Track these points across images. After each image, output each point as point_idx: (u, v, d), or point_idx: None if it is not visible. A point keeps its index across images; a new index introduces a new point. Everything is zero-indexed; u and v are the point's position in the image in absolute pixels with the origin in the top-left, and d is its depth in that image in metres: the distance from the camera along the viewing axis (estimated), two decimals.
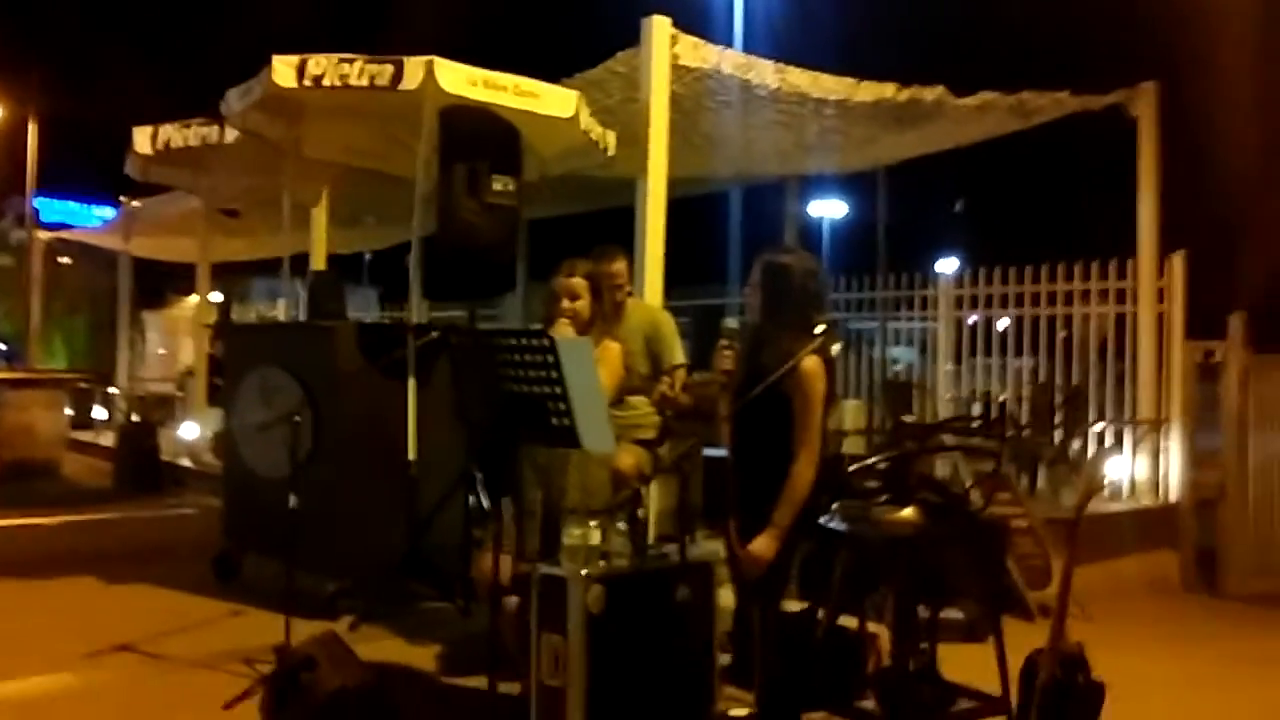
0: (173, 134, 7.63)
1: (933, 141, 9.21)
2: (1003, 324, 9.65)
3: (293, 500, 4.47)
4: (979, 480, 5.50)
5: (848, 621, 4.27)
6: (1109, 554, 7.32)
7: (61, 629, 5.44)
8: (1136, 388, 8.65)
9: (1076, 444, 8.92)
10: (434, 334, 5.60)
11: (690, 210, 11.92)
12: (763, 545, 3.65)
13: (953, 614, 4.76)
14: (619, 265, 5.45)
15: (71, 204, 38.85)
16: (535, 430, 3.87)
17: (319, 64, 5.68)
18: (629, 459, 5.02)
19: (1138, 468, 8.58)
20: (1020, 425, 9.12)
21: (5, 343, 34.77)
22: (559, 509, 4.49)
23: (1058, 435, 8.88)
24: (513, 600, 4.27)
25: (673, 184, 6.72)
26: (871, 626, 4.42)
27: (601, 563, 3.80)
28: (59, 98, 25.47)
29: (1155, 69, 9.14)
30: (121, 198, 13.69)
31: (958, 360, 10.15)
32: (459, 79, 5.67)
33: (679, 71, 6.63)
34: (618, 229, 7.00)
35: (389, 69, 5.62)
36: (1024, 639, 4.14)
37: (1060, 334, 9.23)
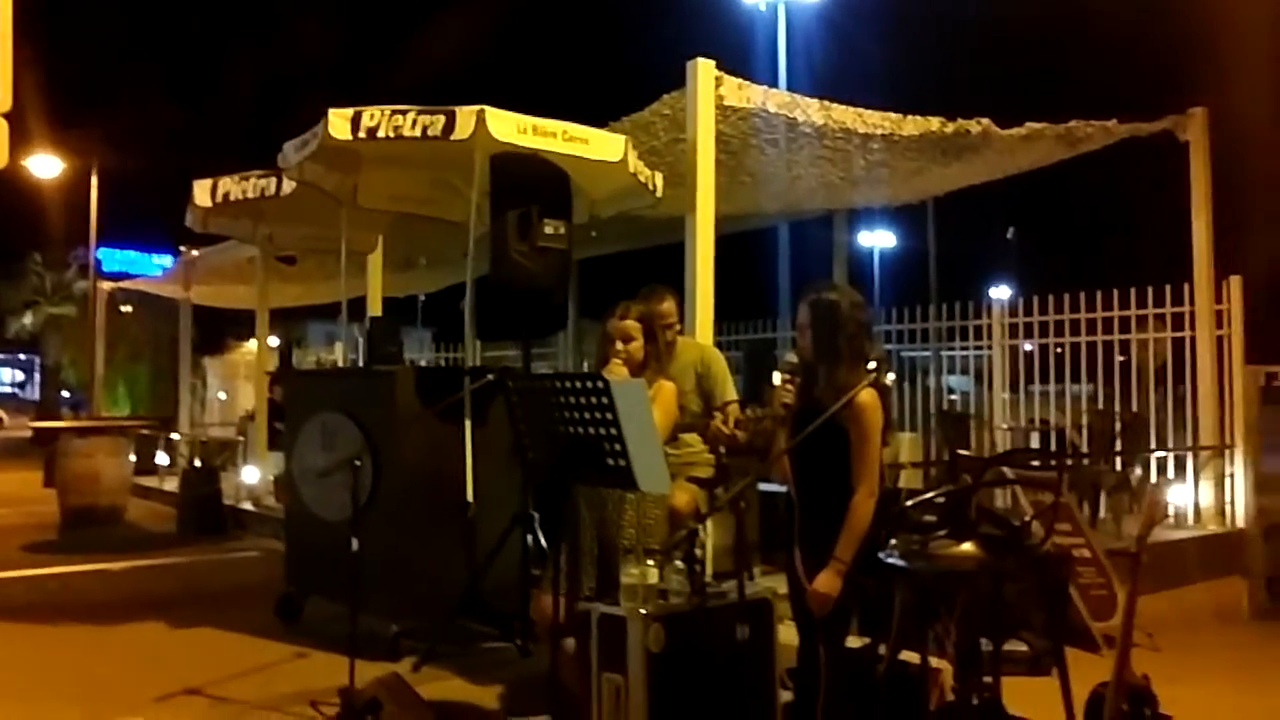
0: (231, 186, 7.78)
1: (980, 172, 9.20)
2: (1059, 350, 9.57)
3: (354, 543, 4.54)
4: (1039, 511, 5.44)
5: (909, 657, 4.25)
6: (1175, 583, 7.20)
7: (130, 673, 5.54)
8: (1197, 413, 8.53)
9: (1138, 471, 8.80)
10: (490, 377, 5.66)
11: (739, 246, 11.98)
12: (827, 581, 3.65)
13: (1017, 647, 4.71)
14: (669, 304, 5.50)
15: (132, 253, 39.84)
16: (591, 471, 3.91)
17: (373, 116, 5.81)
18: (684, 497, 5.05)
19: (1201, 494, 8.45)
20: (1080, 453, 9.01)
21: (70, 391, 35.59)
22: (615, 548, 4.52)
23: (1118, 463, 8.76)
24: (572, 640, 4.29)
25: (720, 221, 6.78)
26: (934, 661, 4.38)
27: (660, 601, 3.81)
28: (120, 151, 26.17)
29: (1205, 93, 9.09)
30: (181, 247, 14.04)
31: (1014, 388, 10.07)
32: (509, 127, 5.77)
33: (724, 111, 6.71)
34: (667, 266, 7.07)
35: (441, 119, 5.73)
36: (1090, 671, 4.09)
37: (1118, 360, 9.14)
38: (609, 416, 3.71)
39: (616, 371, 4.55)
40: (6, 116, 4.76)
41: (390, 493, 5.60)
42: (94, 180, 23.92)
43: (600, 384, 3.77)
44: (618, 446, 3.72)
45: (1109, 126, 8.30)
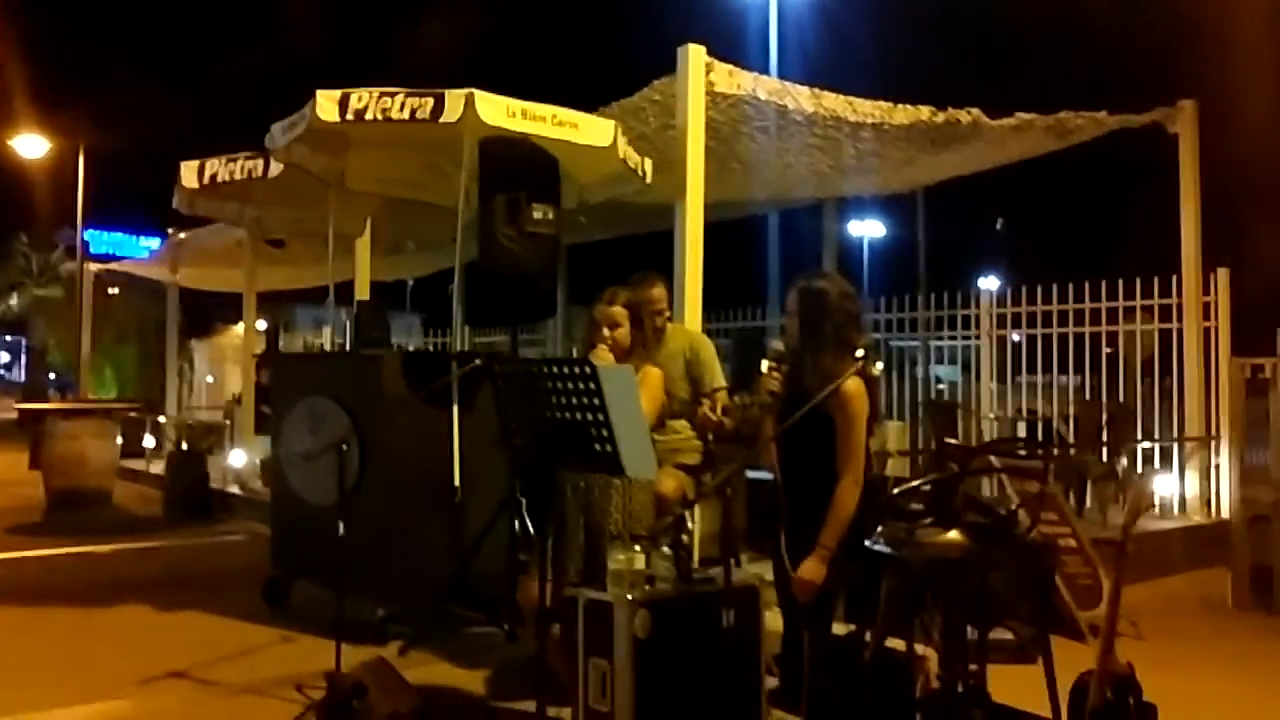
0: (219, 168, 7.74)
1: (970, 162, 9.20)
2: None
3: (341, 528, 4.53)
4: (1026, 500, 5.46)
5: (895, 644, 4.26)
6: (1160, 572, 7.25)
7: (114, 656, 5.53)
8: (1183, 404, 8.57)
9: (1124, 461, 8.84)
10: (477, 362, 5.65)
11: (728, 233, 11.98)
12: (811, 568, 3.66)
13: (1002, 635, 4.72)
14: (658, 291, 5.49)
15: (120, 235, 39.69)
16: (578, 457, 3.90)
17: (361, 98, 5.78)
18: (671, 483, 5.05)
19: (1187, 485, 8.49)
20: (1067, 443, 9.05)
21: (57, 373, 35.45)
22: (602, 534, 4.52)
23: (1104, 453, 8.80)
24: (558, 625, 4.29)
25: (710, 208, 6.77)
26: (919, 649, 4.38)
27: (647, 587, 3.81)
28: (107, 132, 26.00)
29: (1194, 86, 9.12)
30: (169, 229, 13.97)
31: (1001, 379, 10.10)
32: (498, 110, 5.75)
33: (714, 98, 6.69)
34: (657, 253, 7.06)
35: (430, 102, 5.71)
36: (1075, 659, 4.10)
37: (1105, 351, 9.17)
38: (596, 402, 3.70)
39: (602, 357, 4.55)
40: None
41: (377, 477, 5.59)
42: (81, 161, 23.77)
43: (588, 369, 3.76)
44: (604, 432, 3.71)
45: (1099, 118, 8.31)
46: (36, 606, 6.55)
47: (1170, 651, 5.68)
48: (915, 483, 4.11)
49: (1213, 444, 8.43)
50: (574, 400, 3.78)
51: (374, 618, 5.44)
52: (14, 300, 42.32)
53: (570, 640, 3.93)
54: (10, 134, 24.50)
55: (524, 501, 5.23)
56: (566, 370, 3.85)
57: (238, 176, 7.64)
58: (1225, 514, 8.26)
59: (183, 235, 13.50)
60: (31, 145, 24.78)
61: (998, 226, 35.00)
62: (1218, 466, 8.40)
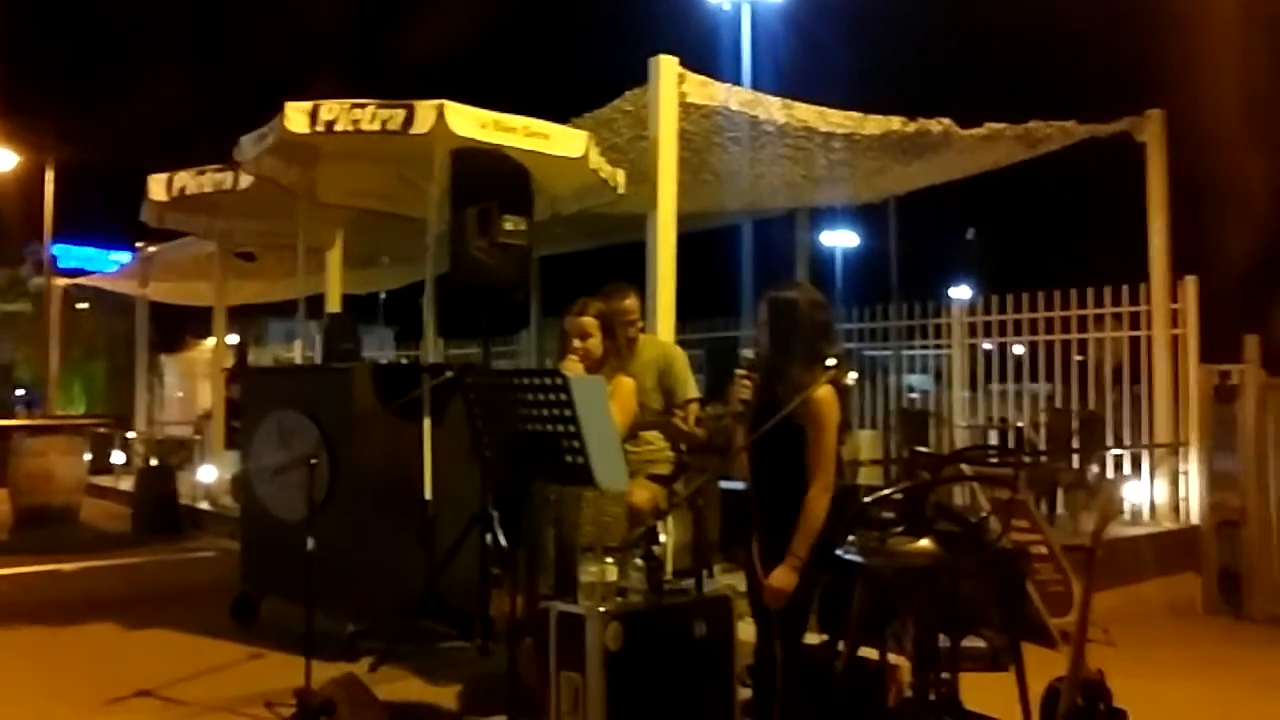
0: (188, 181, 7.68)
1: (942, 172, 9.26)
2: (1018, 350, 9.65)
3: (310, 542, 4.49)
4: (997, 508, 5.48)
5: (868, 653, 4.26)
6: (1130, 578, 7.29)
7: (82, 675, 5.46)
8: (1153, 411, 8.64)
9: (1094, 468, 8.90)
10: (448, 374, 5.62)
11: (701, 244, 11.96)
12: (782, 577, 3.66)
13: (974, 643, 4.74)
14: (630, 302, 5.49)
15: (88, 250, 39.29)
16: (550, 468, 3.89)
17: (331, 109, 5.75)
18: (644, 494, 5.04)
19: (1156, 491, 8.56)
20: (1038, 451, 9.10)
21: (24, 389, 35.05)
22: (574, 546, 4.50)
23: (1075, 460, 8.85)
24: (530, 639, 4.27)
25: (683, 219, 6.77)
26: (892, 658, 4.39)
27: (619, 599, 3.80)
28: (75, 145, 25.76)
29: (1162, 94, 9.21)
30: (138, 243, 13.85)
31: (973, 387, 10.15)
32: (469, 122, 5.73)
33: (687, 109, 6.70)
34: (629, 264, 7.06)
35: (400, 113, 5.69)
36: (1046, 666, 4.12)
37: (1075, 359, 9.23)
38: (567, 413, 3.69)
39: (573, 368, 4.54)
40: None
41: (347, 491, 5.55)
42: (49, 175, 23.53)
43: (559, 380, 3.75)
44: (576, 443, 3.70)
45: (1068, 127, 8.39)
46: (2, 625, 6.46)
47: (1141, 657, 5.72)
48: (886, 491, 4.12)
49: (1181, 450, 8.50)
50: (545, 411, 3.77)
51: (344, 633, 5.40)
52: None
53: (542, 654, 3.91)
54: None
55: (496, 514, 5.20)
56: (537, 381, 3.84)
57: (207, 189, 7.58)
58: (1194, 520, 8.35)
59: (152, 249, 13.37)
60: None
61: (969, 236, 35.21)
62: (1186, 473, 8.47)
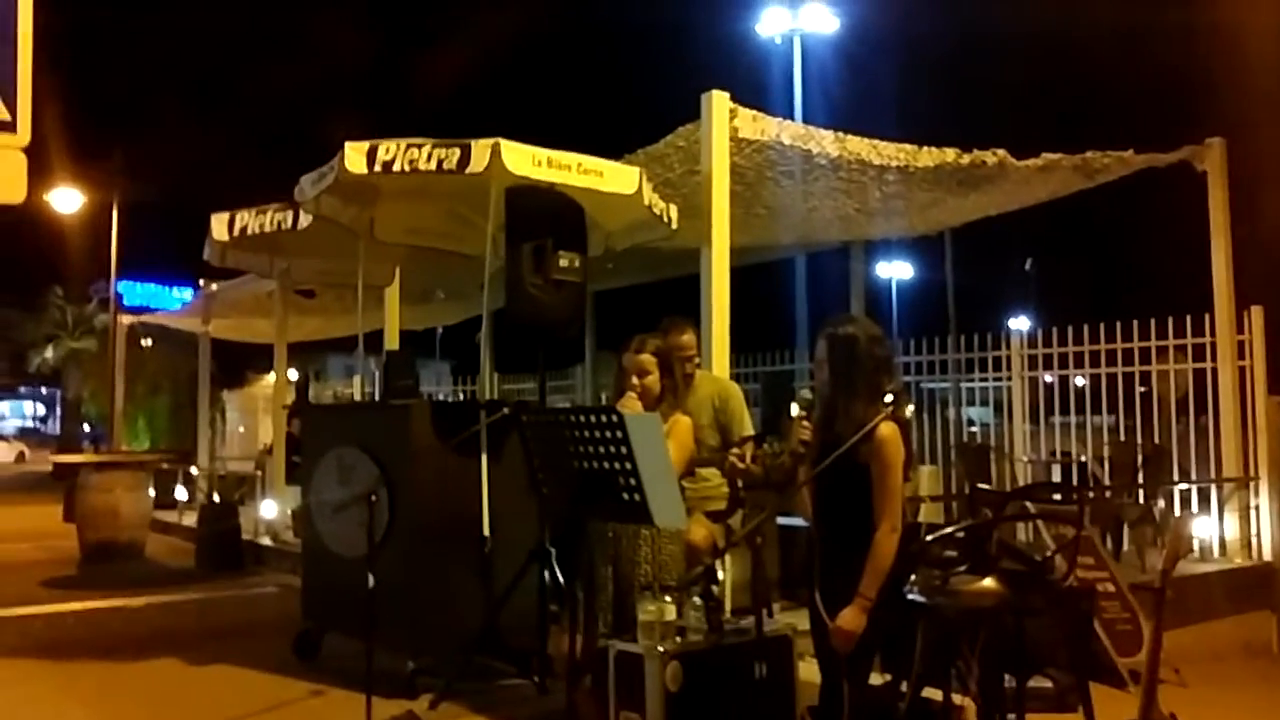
0: (248, 220, 7.80)
1: (997, 203, 9.17)
2: (1079, 381, 9.50)
3: (371, 579, 4.51)
4: (1061, 545, 5.38)
5: (932, 694, 4.18)
6: (1201, 617, 7.10)
7: (146, 710, 5.53)
8: (1220, 444, 8.45)
9: (1160, 503, 8.71)
10: (505, 411, 5.64)
11: (755, 277, 11.97)
12: (851, 618, 3.61)
13: (1041, 684, 4.64)
14: (688, 337, 5.49)
15: (152, 287, 40.18)
16: (607, 506, 3.89)
17: (389, 149, 5.83)
18: (701, 532, 5.01)
19: (1226, 526, 8.35)
20: (1102, 485, 8.92)
21: (91, 425, 35.78)
22: (632, 584, 4.48)
23: (1141, 495, 8.67)
24: (589, 677, 4.25)
25: (736, 253, 6.77)
26: (957, 698, 4.31)
27: (678, 639, 3.77)
28: (140, 184, 26.33)
29: (1222, 123, 9.07)
30: (200, 281, 14.12)
31: (1034, 420, 10.00)
32: (524, 160, 5.78)
33: (739, 144, 6.71)
34: (683, 297, 7.06)
35: (456, 152, 5.75)
36: (1116, 708, 4.03)
37: (1139, 391, 9.06)
38: (624, 450, 3.69)
39: (631, 405, 4.53)
40: (25, 150, 4.80)
41: (406, 528, 5.58)
42: (115, 214, 24.10)
43: (615, 418, 3.75)
44: (633, 481, 3.70)
45: (1125, 157, 8.27)
46: (70, 660, 6.56)
47: (1214, 698, 5.56)
48: (949, 529, 4.06)
49: (1251, 485, 8.30)
50: (601, 449, 3.77)
51: (404, 670, 5.40)
52: (49, 353, 42.88)
53: (601, 693, 3.89)
54: (45, 188, 24.89)
55: (554, 551, 5.20)
56: (593, 419, 3.84)
57: (267, 229, 7.69)
58: (1267, 556, 8.12)
59: (214, 287, 13.65)
60: (66, 199, 25.17)
61: (1027, 267, 34.85)
62: (1257, 507, 8.26)
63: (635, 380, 4.62)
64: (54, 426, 53.34)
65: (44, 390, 55.23)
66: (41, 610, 7.85)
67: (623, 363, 4.73)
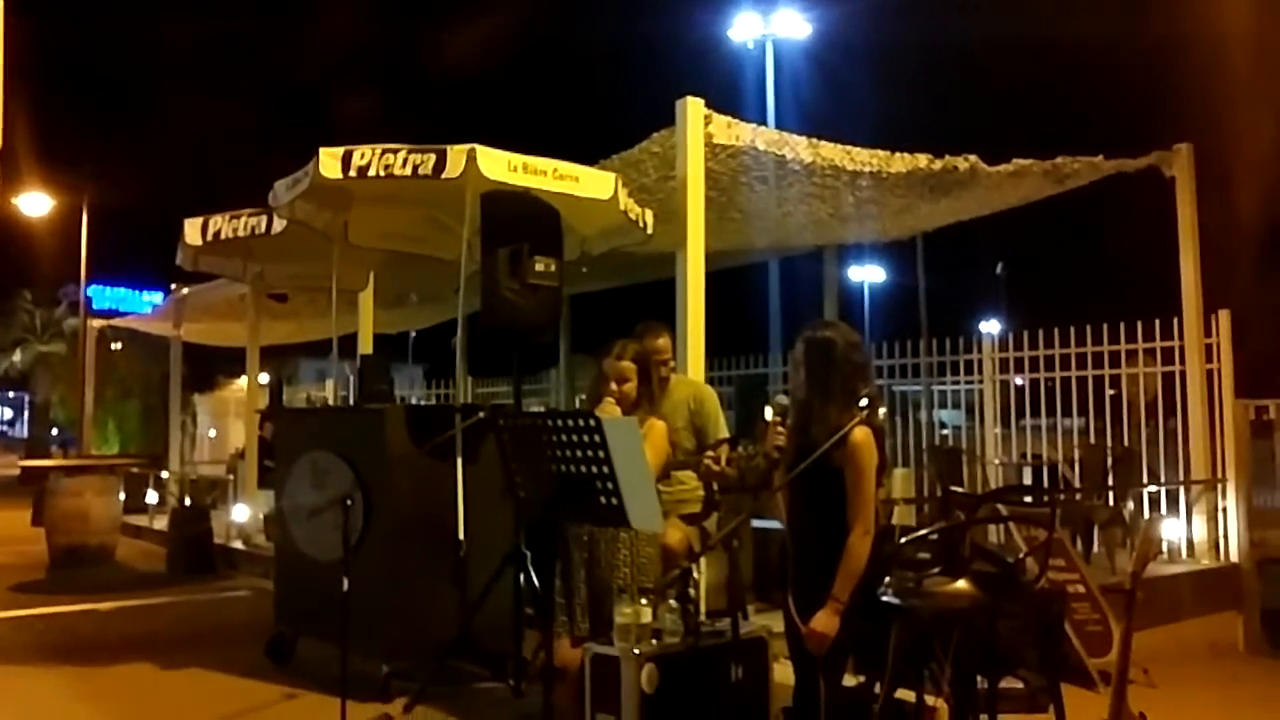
0: (222, 224, 7.77)
1: (969, 208, 9.25)
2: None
3: (345, 583, 4.51)
4: (1033, 547, 5.43)
5: (905, 695, 4.22)
6: (1170, 618, 7.18)
7: (119, 714, 5.49)
8: (1188, 447, 8.55)
9: (1130, 506, 8.81)
10: (481, 415, 5.64)
11: (729, 281, 12.01)
12: (824, 621, 3.64)
13: (1012, 684, 4.68)
14: (663, 341, 5.51)
15: (123, 291, 39.79)
16: (583, 509, 3.90)
17: (364, 154, 5.83)
18: (677, 535, 5.03)
19: (1195, 528, 8.45)
20: (1072, 488, 9.01)
21: (60, 429, 35.41)
22: (608, 587, 4.49)
23: (1110, 497, 8.77)
24: (565, 680, 4.26)
25: (711, 257, 6.79)
26: (930, 699, 4.35)
27: (654, 641, 3.79)
28: (110, 188, 26.12)
29: (1190, 129, 9.19)
30: (172, 285, 14.03)
31: (1005, 423, 10.08)
32: (500, 165, 5.79)
33: (713, 149, 6.74)
34: (658, 302, 7.09)
35: (431, 158, 5.76)
36: (1086, 708, 4.07)
37: (1109, 394, 9.16)
38: (601, 454, 3.71)
39: (609, 410, 4.55)
40: None
41: (381, 532, 5.57)
42: (84, 217, 23.88)
43: (592, 422, 3.77)
44: (610, 484, 3.71)
45: (1095, 162, 8.37)
46: (39, 665, 6.51)
47: (1183, 698, 5.63)
48: (922, 532, 4.10)
49: (1219, 486, 8.40)
50: (579, 453, 3.79)
51: (379, 674, 5.40)
52: (17, 356, 42.37)
53: (577, 695, 3.90)
54: (14, 191, 24.63)
55: (529, 555, 5.20)
56: (571, 423, 3.85)
57: (241, 233, 7.67)
58: (1234, 557, 8.23)
59: (186, 290, 13.56)
60: (35, 203, 24.91)
61: (998, 271, 35.12)
62: (1225, 509, 8.37)
63: (614, 386, 4.64)
64: (21, 430, 52.77)
65: (11, 394, 54.65)
66: (10, 615, 7.80)
67: (603, 368, 4.75)
